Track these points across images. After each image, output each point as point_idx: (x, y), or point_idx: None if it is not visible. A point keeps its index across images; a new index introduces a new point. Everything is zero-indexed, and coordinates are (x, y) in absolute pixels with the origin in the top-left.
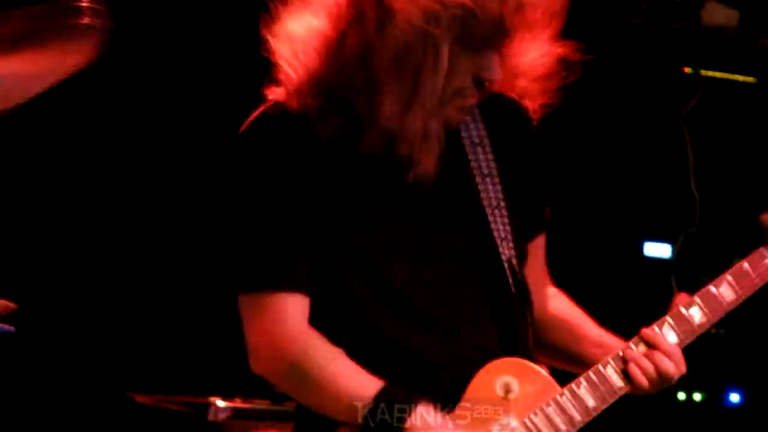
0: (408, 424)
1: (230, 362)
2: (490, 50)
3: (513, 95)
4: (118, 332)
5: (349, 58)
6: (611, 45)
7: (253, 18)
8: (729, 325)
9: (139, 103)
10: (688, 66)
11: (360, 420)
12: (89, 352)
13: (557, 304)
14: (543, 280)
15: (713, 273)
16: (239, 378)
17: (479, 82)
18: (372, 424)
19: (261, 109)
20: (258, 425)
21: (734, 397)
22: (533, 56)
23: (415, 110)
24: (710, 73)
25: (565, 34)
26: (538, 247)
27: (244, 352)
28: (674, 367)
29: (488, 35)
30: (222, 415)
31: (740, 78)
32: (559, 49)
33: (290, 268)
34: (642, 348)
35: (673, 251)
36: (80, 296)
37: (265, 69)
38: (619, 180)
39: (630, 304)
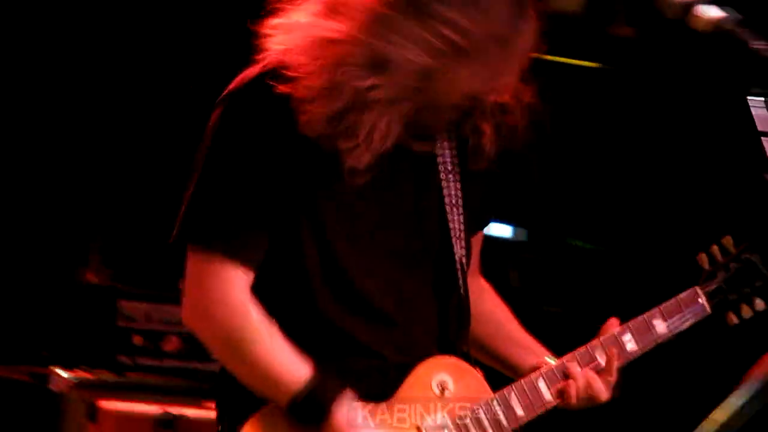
0: (330, 418)
1: (73, 332)
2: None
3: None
4: None
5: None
6: None
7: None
8: (564, 304)
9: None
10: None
11: (284, 404)
12: None
13: (487, 299)
14: (475, 272)
15: (546, 253)
16: (82, 348)
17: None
18: (296, 411)
19: (253, 73)
20: (101, 395)
21: None
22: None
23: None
24: (555, 58)
25: None
26: (477, 241)
27: (88, 323)
28: (606, 391)
29: None
30: (64, 385)
31: (586, 63)
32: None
33: (250, 239)
34: (577, 366)
35: (513, 232)
36: None
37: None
38: None
39: None
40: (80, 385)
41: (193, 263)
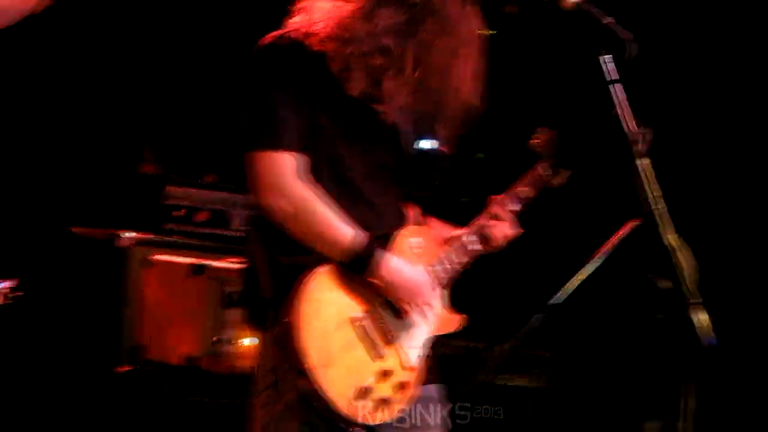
0: (372, 268)
1: (135, 206)
2: None
3: None
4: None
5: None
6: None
7: None
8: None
9: None
10: None
11: (338, 258)
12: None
13: None
14: None
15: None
16: (141, 217)
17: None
18: (346, 264)
19: (280, 31)
20: (153, 250)
21: None
22: None
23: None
24: None
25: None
26: None
27: (146, 201)
28: (512, 227)
29: None
30: (128, 243)
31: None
32: None
33: (299, 135)
34: (491, 218)
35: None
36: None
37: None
38: None
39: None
40: (139, 242)
41: (265, 160)
